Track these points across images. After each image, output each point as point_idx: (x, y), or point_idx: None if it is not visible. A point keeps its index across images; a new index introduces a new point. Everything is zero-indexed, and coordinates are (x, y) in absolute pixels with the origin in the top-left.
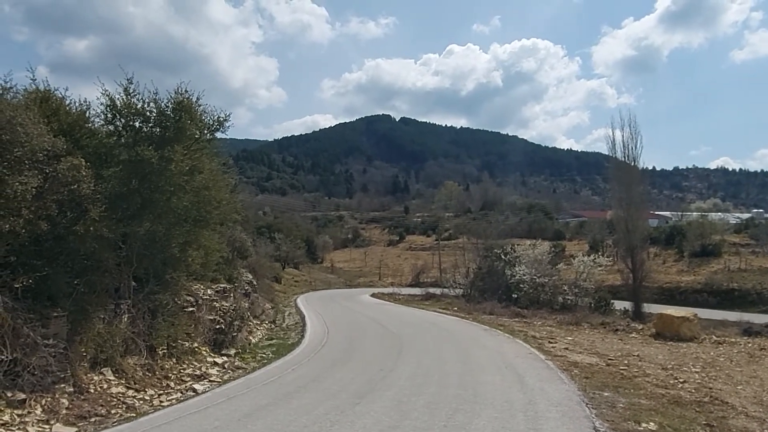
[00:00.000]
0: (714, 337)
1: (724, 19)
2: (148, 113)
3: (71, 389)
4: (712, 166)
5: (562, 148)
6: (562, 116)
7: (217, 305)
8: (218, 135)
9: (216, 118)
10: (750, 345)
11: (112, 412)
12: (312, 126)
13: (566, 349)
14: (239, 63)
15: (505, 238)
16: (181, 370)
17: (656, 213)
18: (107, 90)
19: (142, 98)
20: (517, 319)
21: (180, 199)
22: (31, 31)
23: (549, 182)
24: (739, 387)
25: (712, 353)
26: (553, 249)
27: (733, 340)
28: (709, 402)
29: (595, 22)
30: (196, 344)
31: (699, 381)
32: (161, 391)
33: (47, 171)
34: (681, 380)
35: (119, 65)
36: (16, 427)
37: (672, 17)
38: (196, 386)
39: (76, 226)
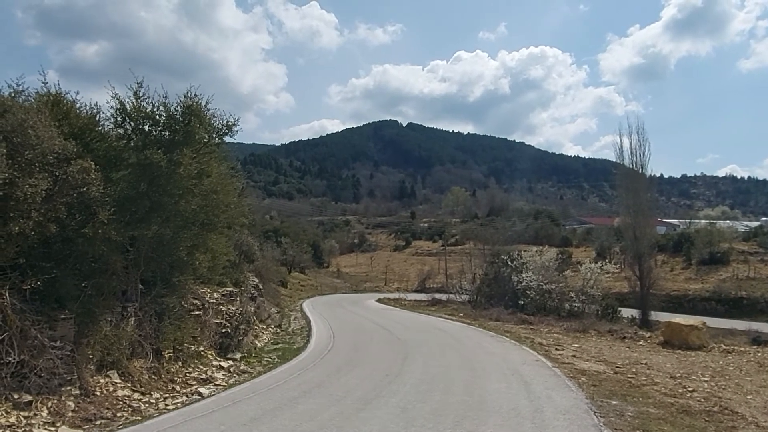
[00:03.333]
0: (723, 345)
1: (731, 28)
2: (157, 117)
3: (77, 392)
4: (720, 173)
5: (569, 154)
6: (569, 123)
7: (224, 309)
8: (226, 139)
9: (224, 122)
10: (759, 354)
11: (118, 415)
12: (319, 131)
13: (573, 356)
14: (249, 69)
15: (512, 245)
16: (187, 374)
17: (664, 220)
18: (117, 93)
19: (151, 102)
20: (523, 326)
21: (188, 203)
22: (43, 35)
23: (556, 189)
24: (748, 396)
25: (721, 362)
26: (560, 255)
27: (742, 349)
28: (718, 411)
29: (600, 30)
30: (202, 348)
31: (708, 390)
32: (167, 395)
33: (57, 174)
34: (690, 389)
35: (129, 69)
36: (22, 429)
37: (678, 25)
38: (202, 390)
39: (85, 228)
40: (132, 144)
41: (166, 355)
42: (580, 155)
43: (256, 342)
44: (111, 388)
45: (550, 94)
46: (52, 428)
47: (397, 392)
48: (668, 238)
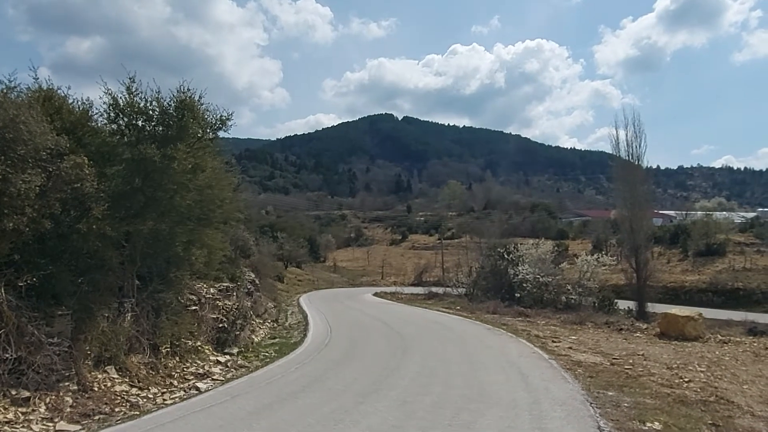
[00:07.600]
0: (719, 336)
1: (725, 19)
2: (150, 112)
3: (75, 387)
4: (716, 165)
5: (565, 147)
6: (565, 116)
7: (220, 304)
8: (221, 134)
9: (218, 116)
10: (755, 344)
11: (116, 410)
12: (315, 125)
13: (570, 348)
14: (244, 65)
15: (508, 238)
16: (185, 369)
17: (660, 212)
18: (110, 89)
19: (144, 97)
20: (520, 319)
21: (183, 198)
22: (36, 31)
23: (552, 181)
24: (744, 386)
25: (717, 352)
26: (556, 248)
27: (738, 339)
28: (714, 401)
29: (593, 22)
30: (199, 343)
31: (704, 380)
32: (164, 390)
33: (50, 169)
34: (686, 379)
35: (122, 64)
36: (21, 425)
37: (671, 16)
38: (199, 385)
39: (80, 224)
40: (125, 139)
41: (163, 351)
42: (576, 147)
43: (253, 337)
44: (109, 384)
45: (546, 88)
46: (50, 424)
47: (397, 385)
48: (665, 229)
